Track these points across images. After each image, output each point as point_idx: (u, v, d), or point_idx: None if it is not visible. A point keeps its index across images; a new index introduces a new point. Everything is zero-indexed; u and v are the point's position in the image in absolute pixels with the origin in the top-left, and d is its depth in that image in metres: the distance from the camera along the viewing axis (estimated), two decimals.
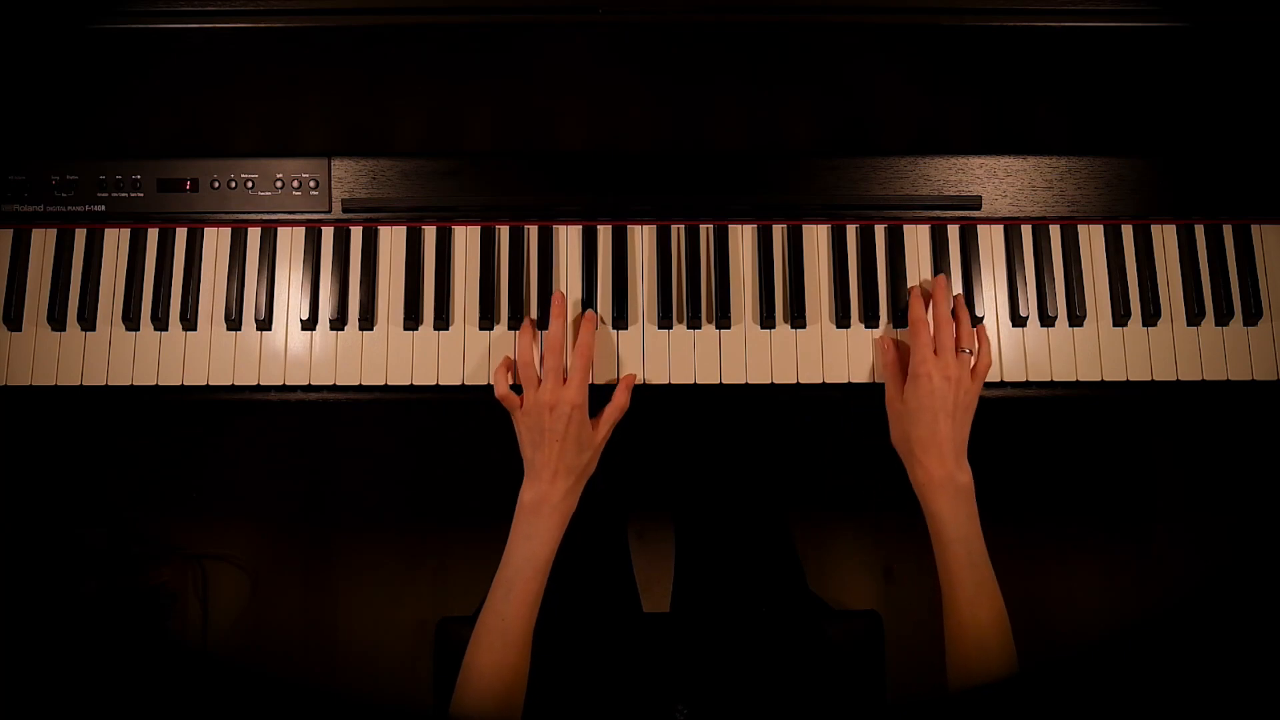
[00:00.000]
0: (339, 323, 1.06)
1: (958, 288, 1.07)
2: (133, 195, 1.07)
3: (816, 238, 1.08)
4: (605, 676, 1.09)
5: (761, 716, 1.05)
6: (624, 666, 1.10)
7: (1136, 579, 1.78)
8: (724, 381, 1.05)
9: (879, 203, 1.07)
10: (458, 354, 1.06)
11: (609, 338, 1.06)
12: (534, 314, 1.07)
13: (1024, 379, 1.06)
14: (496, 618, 0.92)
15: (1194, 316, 1.06)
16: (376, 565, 1.77)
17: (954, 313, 1.02)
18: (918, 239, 1.08)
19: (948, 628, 0.92)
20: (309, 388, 1.06)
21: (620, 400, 1.01)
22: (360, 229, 1.08)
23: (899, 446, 0.99)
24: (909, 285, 1.06)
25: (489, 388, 1.04)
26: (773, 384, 1.05)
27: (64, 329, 1.06)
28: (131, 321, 1.06)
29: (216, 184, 1.07)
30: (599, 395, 1.02)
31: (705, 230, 1.08)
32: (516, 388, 1.01)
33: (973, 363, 1.00)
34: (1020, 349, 1.06)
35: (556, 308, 1.02)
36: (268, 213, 1.08)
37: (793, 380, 1.05)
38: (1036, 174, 1.08)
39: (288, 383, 1.06)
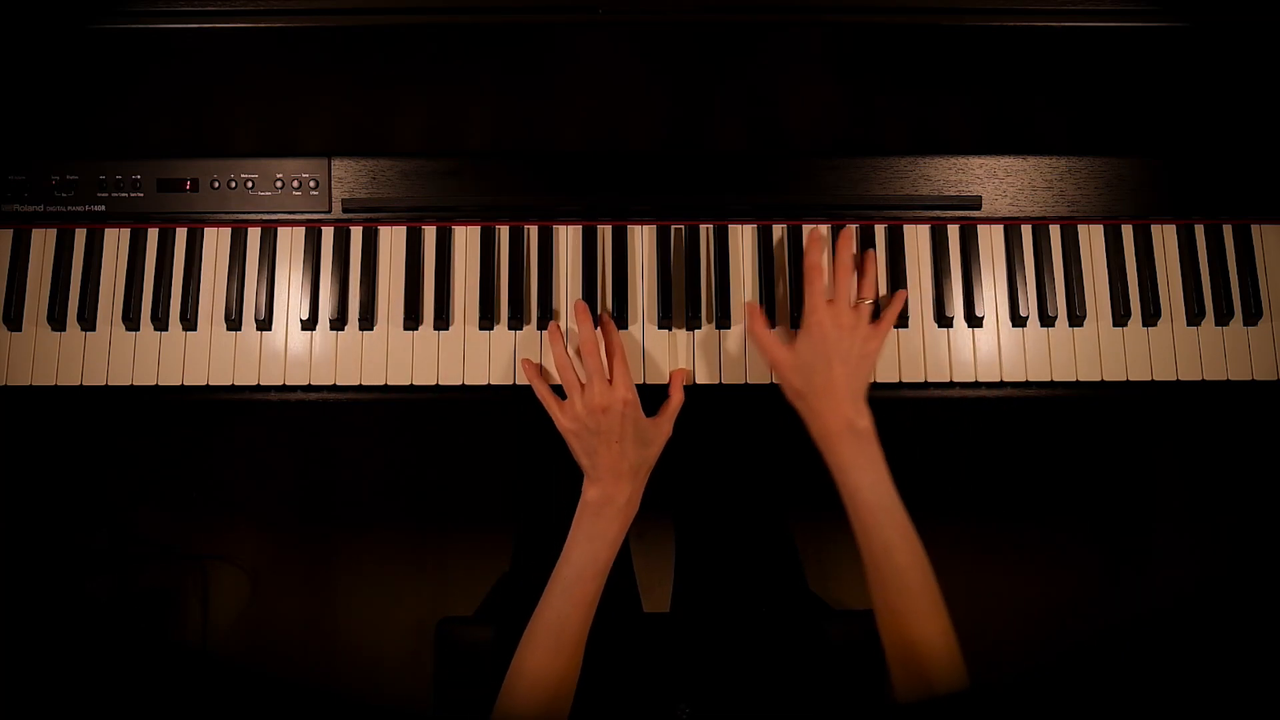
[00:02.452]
0: (339, 323, 1.06)
1: (958, 288, 1.07)
2: (133, 195, 1.07)
3: None
4: (606, 676, 1.09)
5: (762, 716, 1.05)
6: (625, 666, 1.10)
7: (1136, 579, 1.78)
8: (724, 381, 1.05)
9: (879, 203, 1.07)
10: (458, 354, 1.06)
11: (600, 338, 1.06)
12: (534, 315, 1.07)
13: (1024, 379, 1.06)
14: (555, 615, 0.91)
15: (1194, 316, 1.06)
16: (376, 565, 1.76)
17: (861, 266, 1.01)
18: (918, 239, 1.08)
19: (868, 581, 0.89)
20: (309, 388, 1.06)
21: (676, 396, 1.00)
22: (360, 229, 1.08)
23: (794, 402, 0.97)
24: (811, 231, 1.03)
25: (490, 388, 1.04)
26: (773, 384, 1.05)
27: (64, 329, 1.06)
28: (131, 321, 1.06)
29: (216, 184, 1.07)
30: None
31: (705, 230, 1.08)
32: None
33: (872, 314, 0.98)
34: (1020, 349, 1.06)
35: (583, 313, 1.01)
36: (268, 213, 1.08)
37: None
38: (1036, 174, 1.08)
39: (288, 383, 1.06)
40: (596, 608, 0.93)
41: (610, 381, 0.96)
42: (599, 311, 1.06)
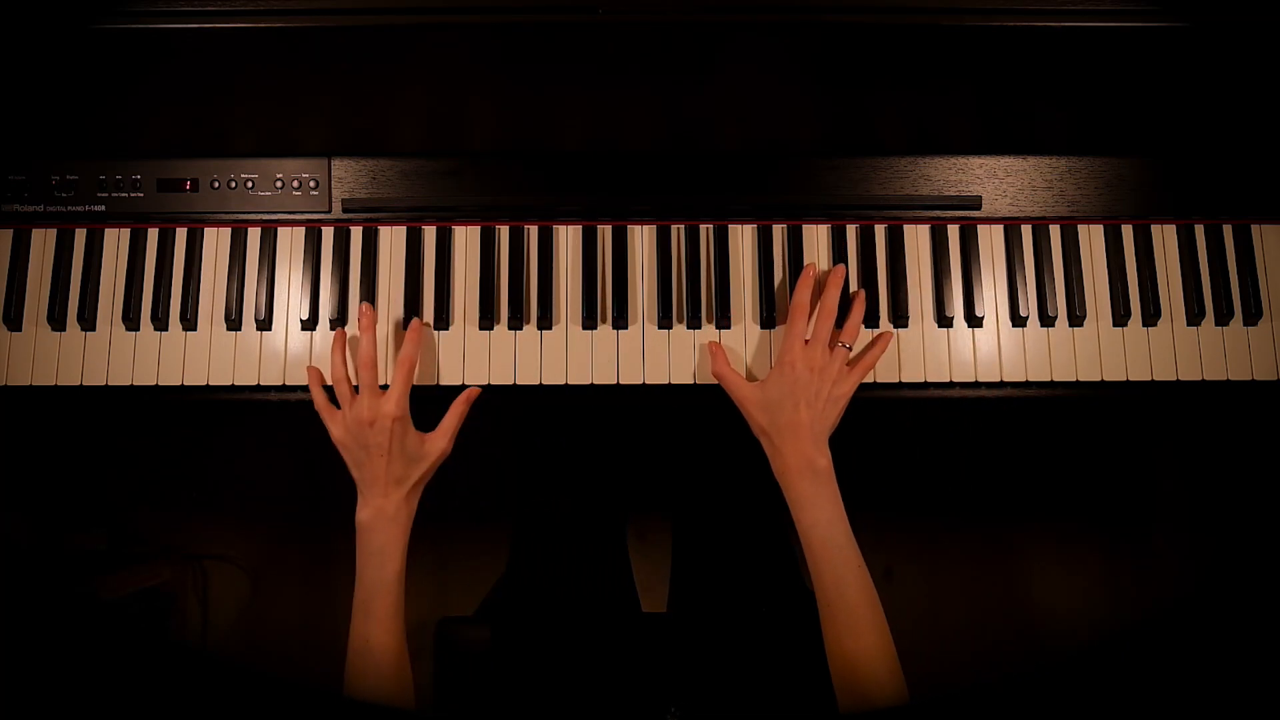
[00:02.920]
0: (339, 323, 1.06)
1: (958, 288, 1.07)
2: (133, 195, 1.07)
3: (816, 238, 1.08)
4: (602, 676, 1.09)
5: (754, 716, 1.05)
6: (621, 666, 1.10)
7: (1136, 579, 1.78)
8: None
9: (879, 203, 1.07)
10: (458, 354, 1.06)
11: (608, 337, 1.06)
12: (534, 315, 1.07)
13: (1024, 379, 1.06)
14: (362, 642, 0.92)
15: (1194, 316, 1.06)
16: None
17: (849, 308, 1.02)
18: (918, 239, 1.08)
19: (821, 613, 0.92)
20: (309, 388, 1.06)
21: (453, 413, 1.00)
22: (360, 229, 1.08)
23: (759, 436, 0.98)
24: (854, 288, 1.04)
25: (489, 388, 1.04)
26: None
27: (64, 329, 1.06)
28: (131, 321, 1.06)
29: (216, 184, 1.07)
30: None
31: (705, 230, 1.08)
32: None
33: (851, 358, 0.99)
34: (1020, 349, 1.06)
35: (364, 320, 1.01)
36: (268, 213, 1.08)
37: None
38: (1036, 174, 1.08)
39: (288, 383, 1.06)
40: (404, 619, 0.95)
41: (384, 395, 0.96)
42: (410, 320, 1.04)
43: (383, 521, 0.95)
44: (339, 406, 0.98)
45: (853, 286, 1.07)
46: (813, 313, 1.01)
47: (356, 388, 0.98)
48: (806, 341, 0.98)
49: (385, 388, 0.98)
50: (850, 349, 0.99)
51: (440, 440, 0.99)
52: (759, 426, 0.98)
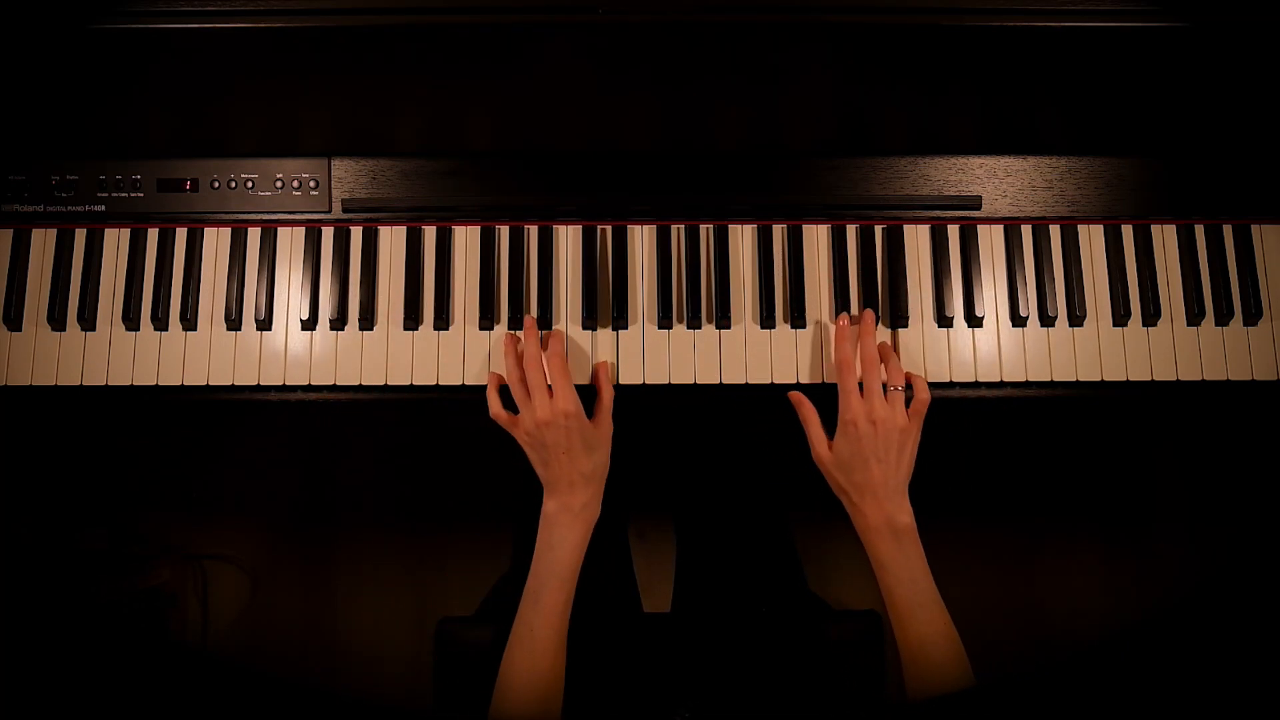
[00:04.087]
0: (339, 323, 1.06)
1: (958, 288, 1.07)
2: (133, 195, 1.07)
3: (816, 238, 1.08)
4: (606, 677, 1.09)
5: (763, 717, 1.05)
6: (625, 667, 1.10)
7: (1136, 579, 1.78)
8: (724, 381, 1.05)
9: (879, 203, 1.07)
10: (458, 354, 1.06)
11: (608, 338, 1.06)
12: (534, 314, 1.07)
13: (1024, 379, 1.06)
14: (526, 628, 0.93)
15: (1194, 316, 1.06)
16: (376, 565, 1.76)
17: (884, 354, 1.01)
18: (918, 239, 1.08)
19: (904, 659, 0.92)
20: (309, 388, 1.06)
21: (606, 392, 1.01)
22: (360, 229, 1.08)
23: (839, 495, 0.98)
24: (838, 320, 1.04)
25: (488, 388, 1.04)
26: (773, 384, 1.05)
27: (64, 329, 1.06)
28: (131, 321, 1.06)
29: (216, 184, 1.07)
30: (586, 395, 1.02)
31: (705, 230, 1.08)
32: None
33: (905, 398, 0.98)
34: (1020, 349, 1.06)
35: (529, 329, 1.02)
36: (268, 213, 1.08)
37: (793, 380, 1.05)
38: (1036, 174, 1.08)
39: (288, 383, 1.06)
40: (570, 613, 0.95)
41: (551, 394, 0.97)
42: (553, 329, 1.06)
43: (568, 516, 0.96)
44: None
45: (853, 287, 1.07)
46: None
47: None
48: (861, 397, 0.97)
49: None
50: (901, 390, 0.98)
51: (604, 424, 1.00)
52: (837, 486, 0.98)
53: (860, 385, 0.97)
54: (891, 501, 0.94)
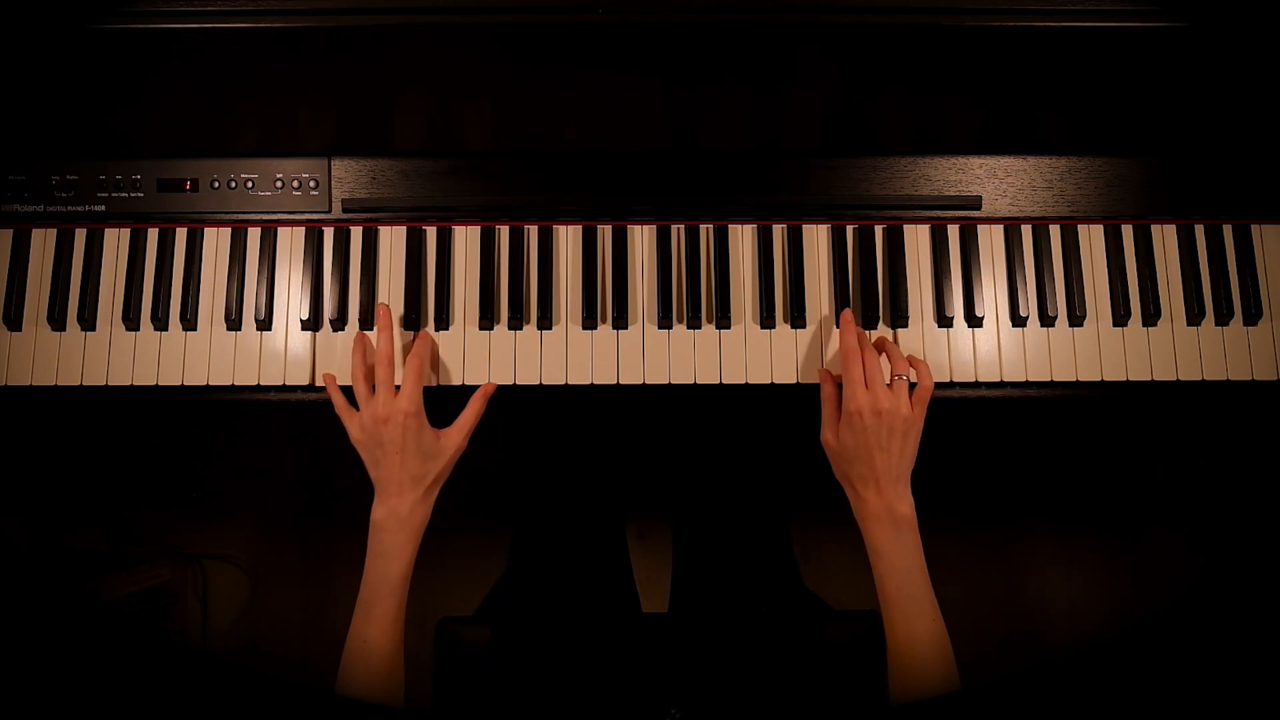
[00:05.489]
0: (339, 323, 1.06)
1: (958, 288, 1.07)
2: (133, 195, 1.07)
3: (816, 238, 1.08)
4: (602, 677, 1.09)
5: (761, 717, 1.05)
6: (621, 667, 1.10)
7: (1135, 580, 1.78)
8: (724, 381, 1.05)
9: (879, 203, 1.07)
10: (458, 354, 1.06)
11: (609, 337, 1.06)
12: (534, 315, 1.07)
13: (1024, 379, 1.06)
14: (359, 641, 0.92)
15: (1194, 316, 1.06)
16: None
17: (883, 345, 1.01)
18: (918, 239, 1.08)
19: (889, 651, 0.92)
20: (309, 388, 1.06)
21: (471, 410, 1.00)
22: (360, 229, 1.08)
23: (841, 481, 0.98)
24: (843, 314, 1.03)
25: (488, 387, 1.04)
26: (773, 384, 1.05)
27: (64, 329, 1.06)
28: (131, 321, 1.06)
29: (216, 184, 1.07)
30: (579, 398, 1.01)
31: (705, 230, 1.08)
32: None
33: (908, 387, 0.97)
34: (1020, 349, 1.06)
35: (382, 320, 1.01)
36: (268, 213, 1.08)
37: (793, 380, 1.05)
38: (1036, 174, 1.08)
39: (288, 383, 1.06)
40: (403, 622, 0.94)
41: (397, 392, 0.96)
42: (419, 331, 1.05)
43: (395, 522, 0.95)
44: (358, 409, 0.98)
45: (853, 287, 1.07)
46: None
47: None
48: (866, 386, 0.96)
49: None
50: (905, 378, 0.97)
51: (456, 436, 0.99)
52: (840, 472, 0.98)
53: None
54: (893, 490, 0.93)
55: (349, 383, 1.01)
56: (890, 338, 1.06)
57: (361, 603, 0.94)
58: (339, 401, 1.00)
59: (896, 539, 0.92)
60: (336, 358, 1.06)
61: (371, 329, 1.06)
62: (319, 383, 1.06)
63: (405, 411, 0.95)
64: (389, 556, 0.94)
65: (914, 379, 0.98)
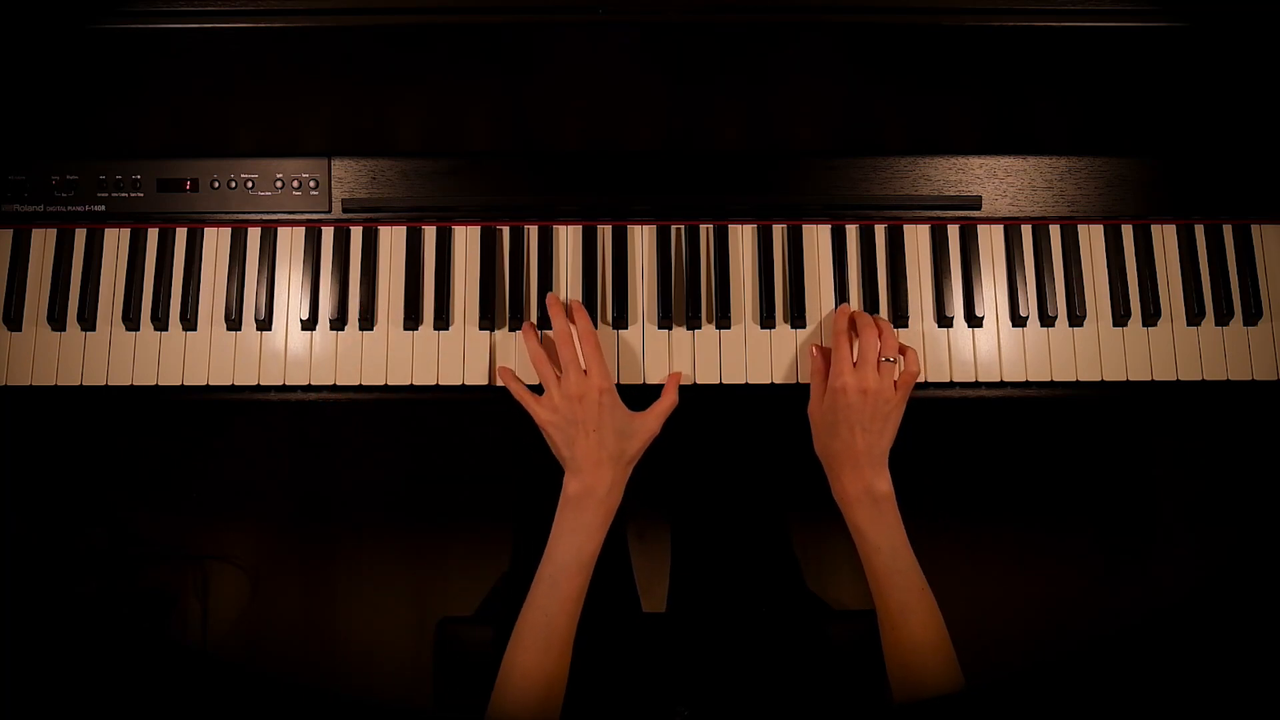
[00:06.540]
0: (339, 323, 1.06)
1: (958, 288, 1.07)
2: (133, 195, 1.07)
3: (816, 238, 1.08)
4: (605, 676, 1.09)
5: (762, 717, 1.05)
6: (624, 666, 1.10)
7: (1136, 579, 1.78)
8: (724, 381, 1.05)
9: (879, 203, 1.07)
10: (458, 354, 1.06)
11: (609, 337, 1.06)
12: (534, 315, 1.07)
13: (1024, 379, 1.06)
14: (541, 614, 0.90)
15: (1194, 316, 1.06)
16: (376, 565, 1.76)
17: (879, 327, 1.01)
18: (918, 239, 1.08)
19: (883, 637, 0.92)
20: (309, 388, 1.06)
21: (668, 397, 1.00)
22: (360, 229, 1.08)
23: (821, 457, 0.99)
24: (855, 289, 1.05)
25: (490, 388, 1.04)
26: (773, 384, 1.05)
27: (64, 329, 1.06)
28: (131, 321, 1.06)
29: (216, 184, 1.07)
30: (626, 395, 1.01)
31: (705, 230, 1.08)
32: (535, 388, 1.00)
33: (896, 373, 0.98)
34: (1020, 349, 1.06)
35: (554, 306, 1.02)
36: (268, 213, 1.08)
37: (793, 380, 1.05)
38: (1036, 174, 1.08)
39: (288, 383, 1.06)
40: (583, 603, 0.93)
41: (585, 371, 0.96)
42: (569, 300, 1.06)
43: (592, 500, 0.93)
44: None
45: (853, 287, 1.07)
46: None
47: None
48: (854, 365, 0.97)
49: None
50: (894, 361, 0.98)
51: (651, 420, 0.98)
52: (819, 448, 0.98)
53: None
54: (872, 469, 0.94)
55: (502, 377, 1.02)
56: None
57: (545, 578, 0.92)
58: (518, 389, 0.99)
59: (878, 517, 0.93)
60: (337, 357, 1.06)
61: (372, 329, 1.06)
62: (319, 382, 1.05)
63: (600, 388, 0.95)
64: (584, 533, 0.93)
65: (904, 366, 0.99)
